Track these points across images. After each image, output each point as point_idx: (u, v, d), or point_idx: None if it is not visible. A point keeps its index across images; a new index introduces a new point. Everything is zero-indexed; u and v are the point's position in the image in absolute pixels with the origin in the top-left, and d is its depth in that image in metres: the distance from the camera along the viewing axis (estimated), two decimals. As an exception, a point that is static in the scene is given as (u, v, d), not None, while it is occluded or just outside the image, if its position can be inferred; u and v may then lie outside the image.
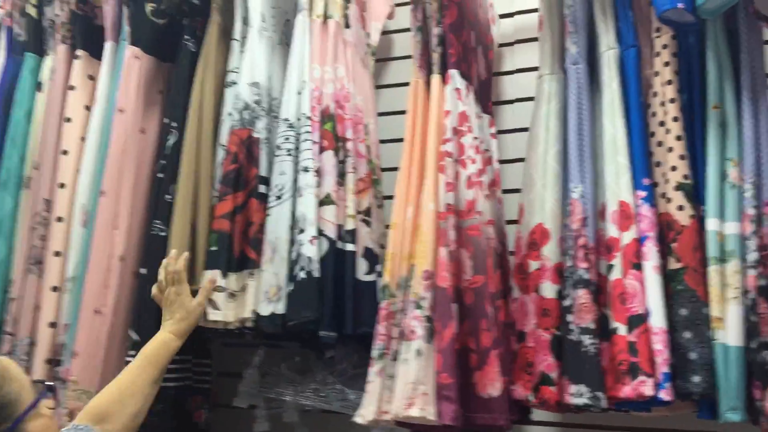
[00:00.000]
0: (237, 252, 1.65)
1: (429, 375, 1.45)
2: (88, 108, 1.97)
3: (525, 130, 1.71)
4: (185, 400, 1.84)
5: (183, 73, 1.86)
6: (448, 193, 1.55)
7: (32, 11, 2.09)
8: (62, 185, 1.91)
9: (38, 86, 2.06)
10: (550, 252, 1.51)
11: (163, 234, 1.74)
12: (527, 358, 1.50)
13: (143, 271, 1.76)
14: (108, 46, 1.97)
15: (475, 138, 1.63)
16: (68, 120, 1.96)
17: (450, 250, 1.51)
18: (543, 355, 1.46)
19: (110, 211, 1.79)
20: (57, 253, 1.87)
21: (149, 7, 1.91)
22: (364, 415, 1.49)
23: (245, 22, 1.82)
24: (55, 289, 1.84)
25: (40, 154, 1.97)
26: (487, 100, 1.84)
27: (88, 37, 2.02)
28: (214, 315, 1.62)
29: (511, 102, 1.95)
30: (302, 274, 1.58)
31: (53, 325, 1.82)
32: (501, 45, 1.98)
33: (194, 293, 1.61)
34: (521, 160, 1.69)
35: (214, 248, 1.65)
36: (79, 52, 2.01)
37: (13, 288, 1.91)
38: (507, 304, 1.61)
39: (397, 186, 1.63)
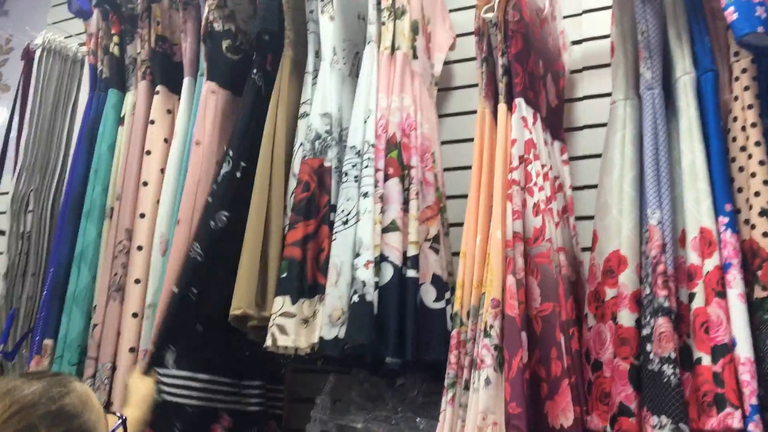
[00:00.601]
0: (309, 278, 1.67)
1: (499, 404, 1.43)
2: (167, 141, 2.06)
3: (597, 156, 1.69)
4: (262, 425, 1.87)
5: (247, 105, 1.92)
6: (516, 221, 1.54)
7: (115, 50, 2.20)
8: (142, 215, 1.99)
9: (120, 121, 2.16)
10: (627, 279, 1.48)
11: (199, 259, 1.79)
12: (604, 388, 1.46)
13: (175, 289, 1.80)
14: (186, 82, 2.06)
15: (543, 165, 1.62)
16: (148, 153, 2.05)
17: (518, 278, 1.50)
18: (621, 385, 1.41)
19: (184, 239, 1.85)
20: (137, 281, 1.94)
21: (225, 44, 1.99)
22: None
23: (317, 55, 1.88)
24: (135, 315, 1.91)
25: (122, 185, 2.05)
26: (559, 127, 1.83)
27: (166, 74, 2.12)
28: (283, 341, 1.64)
29: (582, 128, 1.93)
30: (356, 298, 1.60)
31: (133, 350, 1.88)
32: (572, 72, 1.96)
33: (265, 320, 1.65)
34: (594, 186, 1.66)
35: (284, 275, 1.68)
36: (159, 88, 2.11)
37: (96, 314, 1.98)
38: (581, 333, 1.58)
39: (466, 214, 1.63)
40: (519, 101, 1.63)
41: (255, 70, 1.95)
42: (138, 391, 1.62)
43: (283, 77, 1.91)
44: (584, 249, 1.70)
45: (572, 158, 1.87)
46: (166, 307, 1.79)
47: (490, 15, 1.68)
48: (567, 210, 1.71)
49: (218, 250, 1.80)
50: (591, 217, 1.65)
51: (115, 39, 2.20)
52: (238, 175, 1.85)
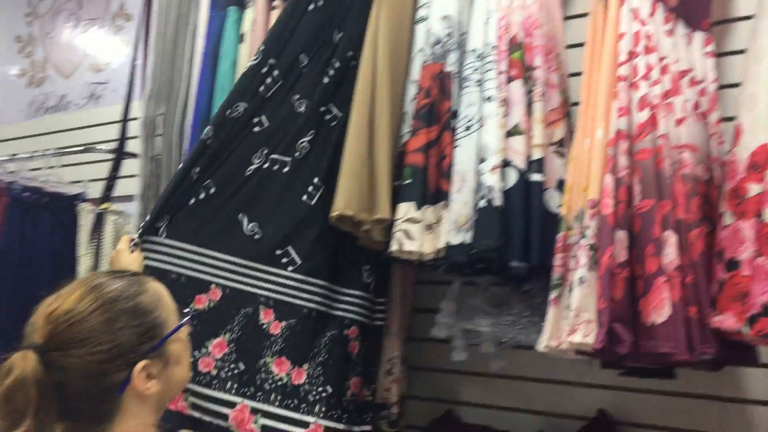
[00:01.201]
0: (432, 185, 1.67)
1: (592, 303, 1.43)
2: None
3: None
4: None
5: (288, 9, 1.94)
6: (621, 119, 1.49)
7: (230, -34, 2.22)
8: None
9: (241, 38, 2.20)
10: (776, 174, 1.39)
11: (208, 142, 1.86)
12: (740, 288, 1.39)
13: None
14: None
15: (663, 58, 1.54)
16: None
17: (618, 177, 1.47)
18: (764, 284, 1.34)
19: None
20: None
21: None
22: (541, 344, 1.51)
23: (433, -43, 1.82)
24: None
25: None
26: (701, 16, 1.69)
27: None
28: (409, 245, 1.66)
29: (735, 20, 1.78)
30: (483, 203, 1.58)
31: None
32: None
33: (384, 224, 1.68)
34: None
35: (408, 181, 1.69)
36: (276, 3, 2.12)
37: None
38: (712, 233, 1.51)
39: (577, 118, 1.59)
40: (629, -8, 1.54)
41: None
42: (126, 261, 1.74)
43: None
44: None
45: (724, 53, 1.74)
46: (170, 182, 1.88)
47: None
48: (701, 105, 1.61)
49: (229, 135, 1.86)
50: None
51: (232, -44, 2.22)
52: (264, 70, 1.88)
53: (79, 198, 2.77)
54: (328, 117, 1.88)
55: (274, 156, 1.86)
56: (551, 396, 1.96)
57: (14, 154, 2.94)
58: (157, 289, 1.19)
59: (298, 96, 1.89)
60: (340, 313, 1.83)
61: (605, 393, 1.87)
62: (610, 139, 1.49)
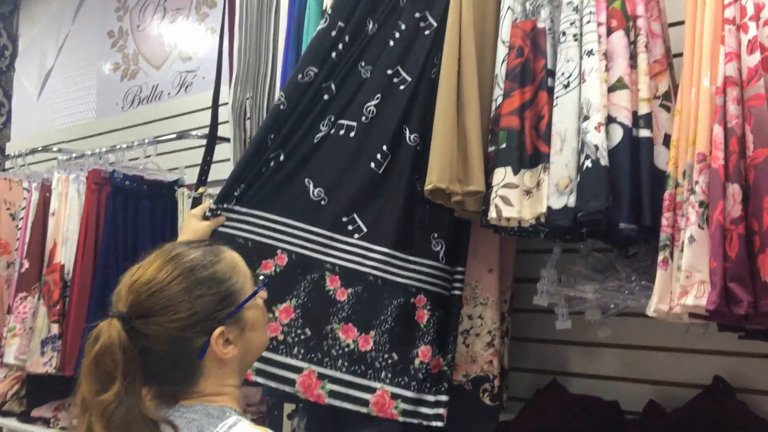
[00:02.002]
0: (529, 148, 1.61)
1: (704, 261, 1.34)
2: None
3: None
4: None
5: None
6: (728, 65, 1.38)
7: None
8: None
9: (323, 12, 2.18)
10: None
11: (282, 108, 1.87)
12: None
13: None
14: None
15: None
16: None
17: (729, 127, 1.36)
18: None
19: None
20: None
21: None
22: (651, 308, 1.44)
23: None
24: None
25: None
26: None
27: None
28: (508, 212, 1.60)
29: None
30: (588, 163, 1.51)
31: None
32: None
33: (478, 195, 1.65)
34: None
35: (503, 146, 1.63)
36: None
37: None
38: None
39: (682, 68, 1.49)
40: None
41: None
42: (191, 228, 1.79)
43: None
44: None
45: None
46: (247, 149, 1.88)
47: None
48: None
49: (300, 101, 1.85)
50: None
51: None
52: (333, 33, 1.87)
53: (177, 184, 2.85)
54: (396, 80, 1.85)
55: (341, 121, 1.85)
56: (663, 364, 1.87)
57: (113, 146, 3.05)
58: (232, 257, 1.23)
59: (364, 62, 1.87)
60: (407, 281, 1.80)
61: (721, 359, 1.78)
62: (718, 86, 1.39)
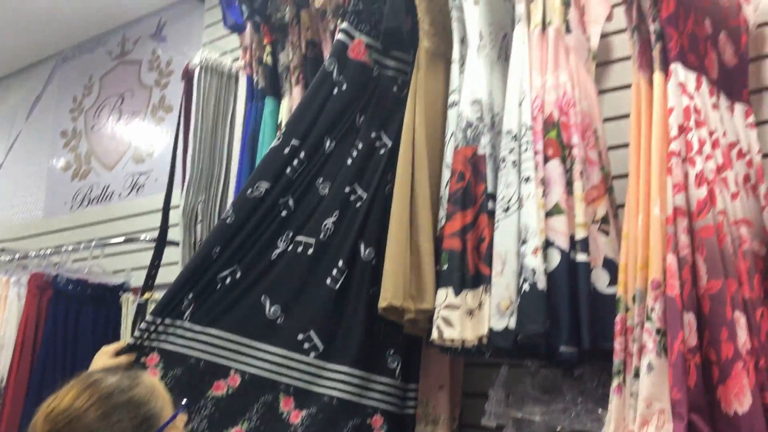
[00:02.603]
0: (471, 269, 1.64)
1: (664, 391, 1.34)
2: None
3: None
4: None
5: (311, 91, 1.96)
6: (677, 195, 1.43)
7: (268, 59, 2.29)
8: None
9: (278, 126, 2.23)
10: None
11: (227, 222, 1.86)
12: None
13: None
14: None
15: (712, 132, 1.50)
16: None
17: (681, 256, 1.40)
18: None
19: None
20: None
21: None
22: None
23: (463, 42, 1.84)
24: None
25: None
26: (740, 87, 1.67)
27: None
28: (449, 333, 1.61)
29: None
30: (526, 286, 1.54)
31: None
32: (760, 26, 1.79)
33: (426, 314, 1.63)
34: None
35: (445, 267, 1.66)
36: (310, 92, 2.15)
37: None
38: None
39: (627, 193, 1.54)
40: (675, 66, 1.51)
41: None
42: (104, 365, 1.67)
43: (420, 68, 1.89)
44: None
45: (762, 122, 1.71)
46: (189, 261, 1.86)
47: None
48: (751, 178, 1.56)
49: (250, 217, 1.84)
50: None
51: (268, 49, 2.28)
52: (286, 151, 1.88)
53: (123, 288, 2.80)
54: (353, 197, 1.88)
55: (299, 238, 1.85)
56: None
57: (60, 246, 3.00)
58: (150, 381, 1.26)
59: (322, 179, 1.90)
60: (363, 401, 1.78)
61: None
62: (668, 216, 1.43)
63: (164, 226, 2.55)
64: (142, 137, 3.53)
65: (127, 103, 3.62)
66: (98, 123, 3.75)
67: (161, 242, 2.58)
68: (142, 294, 2.56)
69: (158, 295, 2.54)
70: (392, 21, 1.91)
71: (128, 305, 2.67)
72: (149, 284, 2.57)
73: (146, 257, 2.62)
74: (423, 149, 1.82)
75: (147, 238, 2.85)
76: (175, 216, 2.51)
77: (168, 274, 2.54)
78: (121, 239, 2.96)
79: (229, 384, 1.76)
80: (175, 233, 2.54)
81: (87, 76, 3.88)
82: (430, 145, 1.83)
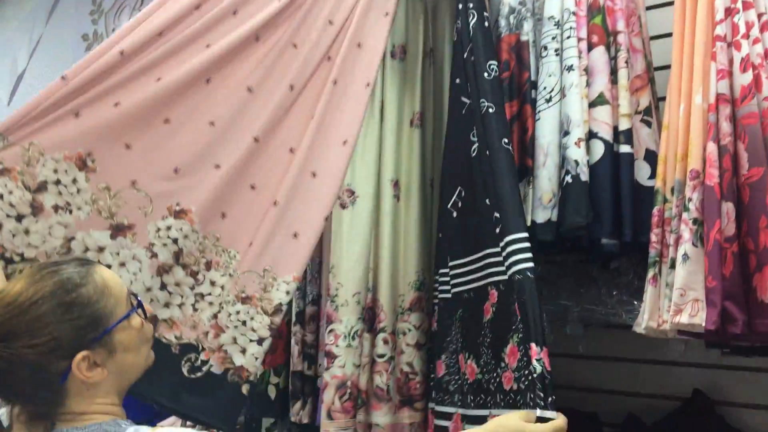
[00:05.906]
0: (516, 161, 1.60)
1: (699, 280, 1.34)
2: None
3: None
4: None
5: None
6: (720, 82, 1.39)
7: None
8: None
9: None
10: None
11: None
12: None
13: None
14: None
15: (762, 14, 1.43)
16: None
17: (722, 145, 1.37)
18: None
19: None
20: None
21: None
22: (640, 324, 1.44)
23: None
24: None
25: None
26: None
27: None
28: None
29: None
30: (569, 178, 1.51)
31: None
32: None
33: None
34: None
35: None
36: None
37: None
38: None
39: (669, 82, 1.49)
40: (721, -54, 1.43)
41: None
42: None
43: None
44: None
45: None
46: None
47: None
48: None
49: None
50: None
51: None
52: None
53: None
54: None
55: None
56: (642, 376, 1.88)
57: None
58: (102, 278, 1.15)
59: None
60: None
61: (701, 372, 1.79)
62: (710, 104, 1.39)
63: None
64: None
65: (146, 3, 3.52)
66: (119, 26, 3.67)
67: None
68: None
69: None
70: None
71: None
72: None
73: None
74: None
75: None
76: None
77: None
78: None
79: (491, 302, 1.46)
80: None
81: (106, -24, 3.78)
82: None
